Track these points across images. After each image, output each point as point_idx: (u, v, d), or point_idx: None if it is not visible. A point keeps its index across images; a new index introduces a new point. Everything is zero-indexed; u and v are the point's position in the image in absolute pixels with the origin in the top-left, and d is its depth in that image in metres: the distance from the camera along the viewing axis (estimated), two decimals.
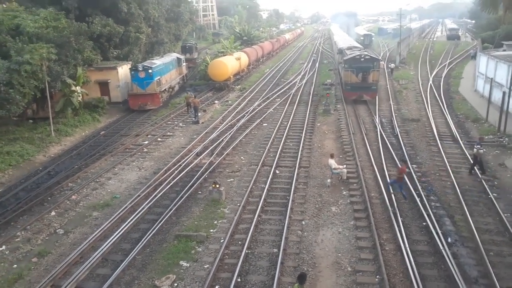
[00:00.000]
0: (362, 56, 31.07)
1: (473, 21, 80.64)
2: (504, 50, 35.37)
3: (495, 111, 24.95)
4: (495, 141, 22.02)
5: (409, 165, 18.10)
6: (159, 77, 32.19)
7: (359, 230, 13.60)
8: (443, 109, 28.58)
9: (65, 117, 27.13)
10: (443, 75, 41.62)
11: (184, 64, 41.16)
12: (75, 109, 27.81)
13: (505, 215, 13.98)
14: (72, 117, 27.72)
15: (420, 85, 36.71)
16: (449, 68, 46.15)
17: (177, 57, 39.30)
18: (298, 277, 9.17)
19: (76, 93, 27.53)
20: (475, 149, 17.56)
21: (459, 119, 26.86)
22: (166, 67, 34.97)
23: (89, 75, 30.38)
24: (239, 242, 13.07)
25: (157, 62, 33.34)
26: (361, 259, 12.02)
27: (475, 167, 17.72)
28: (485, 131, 23.95)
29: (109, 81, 31.97)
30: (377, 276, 11.14)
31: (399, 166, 16.87)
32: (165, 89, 33.91)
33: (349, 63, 31.13)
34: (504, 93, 23.79)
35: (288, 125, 25.64)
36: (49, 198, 17.00)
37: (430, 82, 37.92)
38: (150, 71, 30.66)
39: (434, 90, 34.83)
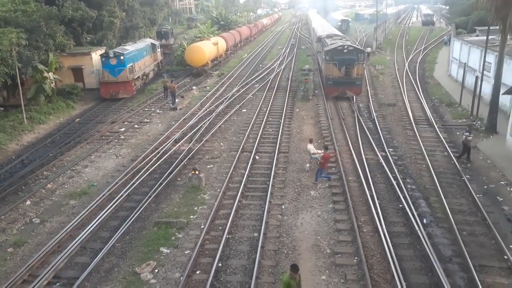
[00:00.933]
0: (345, 47, 27.47)
1: (447, 7, 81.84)
2: (477, 36, 36.11)
3: (468, 95, 25.60)
4: (468, 124, 22.61)
5: (310, 145, 17.44)
6: (131, 64, 30.99)
7: (337, 213, 13.83)
8: (419, 94, 29.12)
9: (37, 104, 26.35)
10: (419, 60, 42.30)
11: (159, 50, 39.99)
12: (48, 96, 27.04)
13: (477, 196, 14.46)
14: (45, 104, 26.96)
15: (396, 70, 37.23)
16: (424, 53, 46.91)
17: (151, 43, 38.14)
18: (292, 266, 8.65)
19: (48, 80, 26.76)
20: (464, 136, 17.68)
21: (434, 104, 27.45)
22: (140, 53, 33.74)
23: (62, 61, 29.50)
24: (220, 228, 13.11)
25: (130, 48, 32.13)
26: (339, 241, 12.25)
27: (465, 154, 17.75)
28: (459, 115, 24.58)
29: (83, 67, 31.13)
30: (355, 258, 11.40)
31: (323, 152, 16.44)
32: (138, 77, 32.65)
33: (330, 55, 27.63)
34: (476, 77, 24.39)
35: (267, 111, 25.64)
36: (23, 187, 16.58)
37: (406, 67, 38.49)
38: (122, 57, 29.46)
39: (410, 75, 35.38)
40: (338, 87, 27.60)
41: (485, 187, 15.47)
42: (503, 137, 19.59)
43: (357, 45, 31.04)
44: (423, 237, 11.89)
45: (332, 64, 27.33)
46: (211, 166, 18.12)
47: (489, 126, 21.08)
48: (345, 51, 27.26)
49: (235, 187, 15.71)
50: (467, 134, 17.57)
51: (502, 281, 10.38)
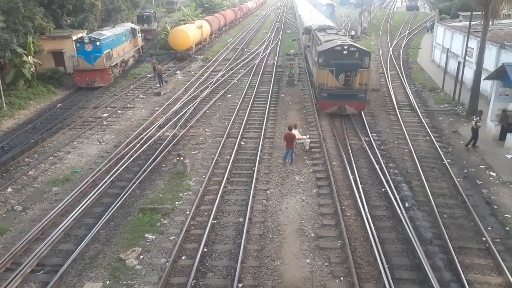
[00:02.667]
0: (345, 47, 20.47)
1: None
2: (460, 21, 36.43)
3: (451, 80, 25.92)
4: (450, 109, 23.00)
5: (294, 131, 17.22)
6: (109, 50, 29.40)
7: (321, 197, 14.00)
8: (402, 79, 29.35)
9: (17, 89, 25.72)
10: (403, 46, 42.51)
11: (140, 35, 37.93)
12: (27, 80, 26.37)
13: (458, 179, 14.80)
14: (25, 89, 26.33)
15: (381, 56, 37.37)
16: (408, 38, 47.13)
17: (131, 28, 36.14)
18: None
19: (28, 64, 26.05)
20: (473, 122, 17.56)
21: (417, 89, 27.73)
22: (118, 39, 31.88)
23: (42, 44, 28.71)
24: (205, 213, 13.15)
25: (107, 33, 30.33)
26: (323, 225, 12.43)
27: (472, 141, 17.70)
28: (441, 100, 24.92)
29: (63, 50, 30.35)
30: (339, 241, 11.60)
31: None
32: (116, 64, 30.91)
33: (325, 57, 20.75)
34: (459, 63, 24.68)
35: (253, 96, 25.55)
36: (4, 174, 16.28)
37: (390, 52, 38.66)
38: (98, 43, 27.72)
39: (394, 60, 35.59)
40: (335, 101, 20.95)
41: (465, 171, 15.82)
42: (484, 122, 19.96)
43: (360, 45, 22.62)
44: (405, 220, 12.15)
45: (327, 70, 20.59)
46: (196, 152, 18.05)
47: (470, 111, 21.42)
48: (344, 53, 20.42)
49: (221, 173, 15.72)
50: (477, 118, 17.46)
51: (480, 262, 10.72)
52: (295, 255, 11.15)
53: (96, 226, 12.25)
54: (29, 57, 26.34)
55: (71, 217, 12.71)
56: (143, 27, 44.42)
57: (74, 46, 28.35)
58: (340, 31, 28.88)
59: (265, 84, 28.71)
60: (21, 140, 19.95)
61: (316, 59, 22.32)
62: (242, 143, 18.78)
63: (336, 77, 20.61)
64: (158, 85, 28.48)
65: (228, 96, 26.43)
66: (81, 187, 14.58)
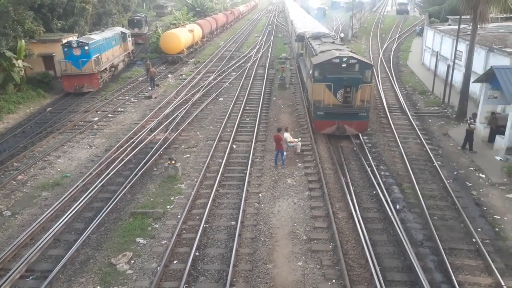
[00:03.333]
0: (344, 59, 18.28)
1: None
2: (449, 25, 36.87)
3: (441, 83, 26.19)
4: (439, 112, 23.21)
5: (284, 133, 17.42)
6: (98, 55, 28.80)
7: (313, 200, 14.02)
8: (393, 82, 29.58)
9: (6, 93, 25.43)
10: (393, 49, 42.89)
11: (130, 39, 37.50)
12: (17, 84, 26.12)
13: (448, 181, 14.92)
14: (14, 93, 26.08)
15: (371, 59, 37.64)
16: (398, 42, 47.56)
17: (121, 32, 35.62)
18: None
19: (17, 67, 25.81)
20: (468, 124, 17.54)
21: (407, 92, 27.96)
22: (108, 43, 31.34)
23: (32, 48, 28.51)
24: (197, 217, 13.09)
25: (96, 37, 29.80)
26: (315, 227, 12.44)
27: (467, 143, 17.71)
28: (431, 102, 25.15)
29: (53, 54, 30.15)
30: (331, 244, 11.61)
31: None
32: (105, 69, 30.21)
33: (321, 71, 18.42)
34: (448, 66, 24.95)
35: (245, 99, 25.55)
36: None
37: (381, 55, 38.98)
38: (86, 48, 27.20)
39: (384, 63, 35.87)
40: (333, 121, 18.44)
41: (455, 173, 15.96)
42: None
43: (361, 56, 20.45)
44: (396, 222, 12.21)
45: (324, 86, 18.11)
46: (188, 155, 17.99)
47: (460, 113, 21.65)
48: (343, 65, 18.23)
49: (212, 176, 15.67)
50: (472, 121, 17.56)
51: (470, 263, 10.79)
52: (287, 258, 11.13)
53: (87, 231, 12.14)
54: (19, 60, 26.10)
55: (61, 222, 12.57)
56: (134, 32, 43.70)
57: (62, 50, 27.74)
58: (336, 39, 25.73)
59: (257, 87, 28.74)
60: (10, 144, 19.73)
61: (310, 72, 19.30)
62: (234, 146, 18.76)
63: (334, 94, 17.98)
64: (150, 88, 28.43)
65: (220, 99, 26.41)
66: (71, 192, 14.43)
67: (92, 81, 28.07)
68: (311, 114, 19.86)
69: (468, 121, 17.76)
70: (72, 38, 31.14)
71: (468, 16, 21.53)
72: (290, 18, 48.07)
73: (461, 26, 24.06)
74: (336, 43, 23.08)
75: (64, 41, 29.74)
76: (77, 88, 27.63)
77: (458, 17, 23.92)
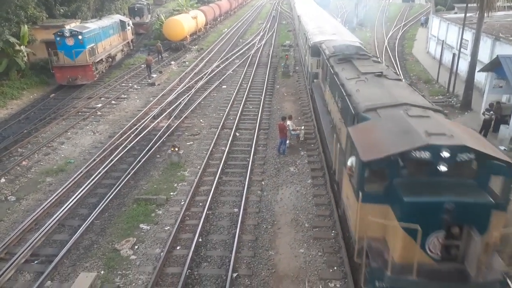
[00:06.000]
0: (446, 149, 6.95)
1: None
2: (456, 13, 36.41)
3: (446, 72, 25.97)
4: (444, 101, 23.08)
5: (289, 122, 17.06)
6: (93, 45, 27.18)
7: (316, 188, 14.05)
8: (397, 70, 29.36)
9: (9, 79, 25.43)
10: (398, 37, 42.47)
11: (129, 27, 35.40)
12: (20, 70, 26.09)
13: None
14: (18, 79, 26.06)
15: (376, 47, 37.31)
16: (403, 30, 47.08)
17: (120, 20, 33.74)
18: None
19: (21, 53, 25.73)
20: (487, 115, 17.43)
21: (412, 80, 27.75)
22: (105, 32, 29.64)
23: (35, 34, 28.33)
24: (200, 204, 13.16)
25: (91, 26, 28.10)
26: (317, 215, 12.49)
27: (483, 131, 17.42)
28: (436, 92, 24.98)
29: None
30: (333, 231, 11.67)
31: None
32: (101, 59, 28.63)
33: (382, 170, 7.44)
34: (454, 55, 24.72)
35: (248, 87, 25.46)
36: None
37: (386, 44, 38.62)
38: (80, 37, 25.60)
39: (389, 52, 35.56)
40: None
41: None
42: (478, 113, 20.08)
43: (483, 141, 8.01)
44: None
45: (407, 233, 6.89)
46: (191, 143, 18.02)
47: (465, 102, 21.52)
48: (443, 167, 7.07)
49: (215, 164, 15.71)
50: (488, 110, 17.44)
51: None
52: (289, 245, 11.21)
53: (91, 217, 12.24)
54: (22, 46, 26.03)
55: (65, 208, 12.68)
56: (135, 21, 41.70)
57: (55, 40, 25.97)
58: (377, 59, 15.38)
59: (260, 75, 28.61)
60: (14, 130, 19.81)
61: (352, 166, 8.65)
62: (237, 134, 18.76)
63: (420, 241, 6.82)
64: (147, 75, 28.65)
65: (223, 87, 26.32)
66: (75, 178, 14.52)
67: (86, 73, 26.45)
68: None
69: (487, 113, 17.47)
70: (75, 23, 30.91)
71: (475, 4, 21.23)
72: (297, 13, 38.83)
73: (468, 15, 23.77)
74: (387, 74, 12.03)
75: (67, 26, 29.41)
76: (70, 80, 26.16)
77: (465, 5, 23.58)
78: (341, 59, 14.51)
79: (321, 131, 16.62)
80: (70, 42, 25.71)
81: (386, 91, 10.49)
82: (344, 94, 11.38)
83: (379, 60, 16.01)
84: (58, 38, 25.68)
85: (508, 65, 16.63)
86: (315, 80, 20.49)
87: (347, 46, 16.52)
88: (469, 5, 23.22)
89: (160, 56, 34.08)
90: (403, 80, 12.30)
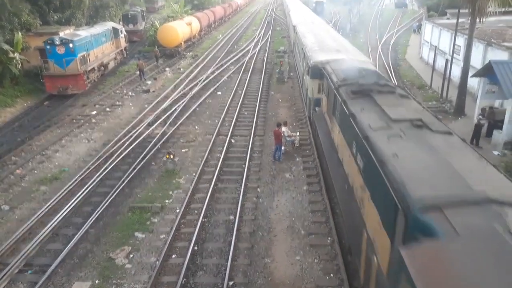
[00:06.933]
0: None
1: None
2: (448, 19, 36.77)
3: (439, 78, 26.18)
4: (438, 106, 23.23)
5: (284, 128, 16.99)
6: (84, 53, 26.37)
7: (311, 194, 14.05)
8: (391, 76, 29.55)
9: (3, 86, 25.28)
10: (391, 43, 42.79)
11: (123, 35, 34.70)
12: (14, 77, 25.96)
13: None
14: (12, 86, 25.89)
15: (369, 52, 37.56)
16: (396, 35, 47.46)
17: (113, 27, 33.06)
18: None
19: (15, 61, 25.61)
20: (479, 120, 17.42)
21: (405, 86, 27.94)
22: (96, 40, 28.96)
23: (29, 41, 28.21)
24: (196, 211, 13.11)
25: (82, 33, 27.43)
26: (313, 222, 12.49)
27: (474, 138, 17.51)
28: (429, 97, 25.15)
29: None
30: (329, 238, 11.67)
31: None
32: (93, 68, 27.73)
33: None
34: (446, 60, 24.94)
35: (243, 93, 25.50)
36: None
37: (379, 49, 38.88)
38: (71, 45, 24.74)
39: (383, 57, 35.81)
40: None
41: None
42: (471, 119, 20.22)
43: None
44: None
45: None
46: (186, 149, 17.98)
47: (458, 108, 21.68)
48: None
49: (211, 171, 15.68)
50: (480, 116, 17.49)
51: None
52: (285, 253, 11.18)
53: (85, 225, 12.15)
54: (16, 53, 25.93)
55: (59, 216, 12.58)
56: (128, 28, 41.16)
57: (45, 48, 25.11)
58: (404, 92, 11.38)
59: (255, 82, 28.68)
60: (7, 138, 19.68)
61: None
62: (233, 140, 18.75)
63: None
64: (140, 79, 29.29)
65: (218, 93, 26.34)
66: (69, 186, 14.43)
67: (77, 82, 25.41)
68: None
69: (479, 118, 17.51)
70: (69, 30, 30.80)
71: (467, 10, 21.46)
72: (293, 22, 34.99)
73: (460, 20, 24.01)
74: (429, 123, 8.53)
75: (61, 33, 29.28)
76: (60, 90, 25.14)
77: (457, 11, 23.82)
78: (356, 91, 10.76)
79: (325, 171, 13.82)
80: (60, 50, 24.89)
81: (441, 161, 6.58)
82: (373, 158, 7.35)
83: (407, 92, 11.94)
84: (48, 46, 24.83)
85: (500, 70, 16.79)
86: (317, 109, 17.00)
87: (360, 71, 13.11)
88: (461, 11, 23.47)
89: (157, 62, 34.51)
90: (454, 135, 8.07)
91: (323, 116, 15.65)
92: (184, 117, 21.48)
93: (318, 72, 16.54)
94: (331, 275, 10.26)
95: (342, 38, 25.42)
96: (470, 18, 20.86)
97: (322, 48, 20.05)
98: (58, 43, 24.68)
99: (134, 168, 15.72)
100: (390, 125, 8.27)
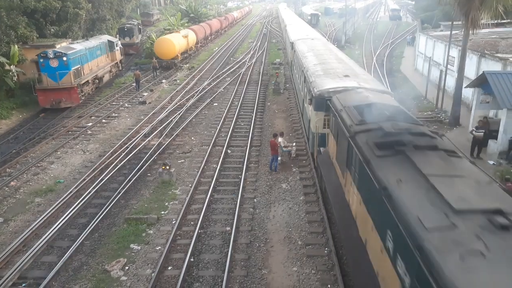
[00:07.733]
0: None
1: (413, 2, 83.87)
2: (442, 31, 37.23)
3: (434, 88, 26.40)
4: (433, 117, 23.38)
5: (280, 139, 17.21)
6: (78, 66, 26.31)
7: (308, 205, 14.01)
8: (387, 87, 29.72)
9: None
10: (386, 55, 43.20)
11: (118, 48, 34.89)
12: (10, 89, 25.94)
13: None
14: (7, 98, 25.87)
15: (365, 64, 37.87)
16: (391, 47, 47.93)
17: (108, 40, 33.13)
18: None
19: (11, 73, 25.63)
20: (476, 133, 17.36)
21: (400, 97, 28.07)
22: (91, 53, 28.92)
23: (25, 53, 28.29)
24: (192, 223, 13.03)
25: (77, 47, 27.37)
26: (310, 232, 12.42)
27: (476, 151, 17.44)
28: (424, 108, 25.32)
29: None
30: (326, 249, 11.60)
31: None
32: (87, 81, 27.68)
33: None
34: (441, 71, 25.18)
35: (239, 104, 25.58)
36: None
37: (374, 61, 39.22)
38: (64, 58, 24.66)
39: (378, 69, 36.10)
40: None
41: None
42: (466, 129, 20.34)
43: None
44: None
45: None
46: (182, 161, 17.94)
47: (453, 118, 21.81)
48: None
49: (207, 182, 15.63)
50: (474, 129, 17.46)
51: None
52: (282, 264, 11.10)
53: (80, 237, 12.03)
54: (12, 66, 25.95)
55: (54, 228, 12.46)
56: (125, 41, 41.23)
57: (38, 61, 25.05)
58: (454, 150, 7.60)
59: (251, 93, 28.79)
60: (2, 150, 19.59)
61: None
62: (229, 151, 18.74)
63: None
64: (136, 89, 29.65)
65: (215, 104, 26.41)
66: (64, 198, 14.32)
67: (71, 95, 25.30)
68: None
69: (475, 131, 17.46)
70: (66, 43, 30.93)
71: (460, 22, 21.75)
72: (290, 38, 31.78)
73: (453, 32, 24.31)
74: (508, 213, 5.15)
75: (58, 46, 29.39)
76: (54, 104, 25.00)
77: (450, 23, 24.14)
78: (383, 145, 7.65)
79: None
80: (54, 63, 24.73)
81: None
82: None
83: (458, 151, 7.77)
84: (41, 60, 24.66)
85: (494, 81, 16.96)
86: (321, 150, 14.15)
87: (382, 110, 9.54)
88: (454, 23, 23.78)
89: (155, 73, 34.95)
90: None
91: (330, 162, 12.18)
92: (180, 128, 21.49)
93: (323, 104, 13.81)
94: (329, 286, 10.18)
95: (347, 57, 22.67)
96: (463, 30, 21.13)
97: (327, 71, 17.08)
98: (51, 57, 24.61)
99: (130, 180, 15.65)
100: (455, 223, 5.02)
